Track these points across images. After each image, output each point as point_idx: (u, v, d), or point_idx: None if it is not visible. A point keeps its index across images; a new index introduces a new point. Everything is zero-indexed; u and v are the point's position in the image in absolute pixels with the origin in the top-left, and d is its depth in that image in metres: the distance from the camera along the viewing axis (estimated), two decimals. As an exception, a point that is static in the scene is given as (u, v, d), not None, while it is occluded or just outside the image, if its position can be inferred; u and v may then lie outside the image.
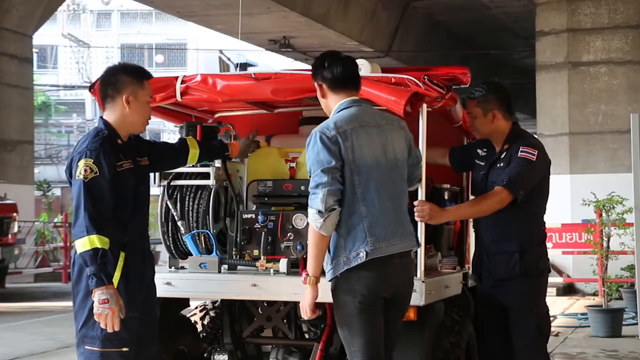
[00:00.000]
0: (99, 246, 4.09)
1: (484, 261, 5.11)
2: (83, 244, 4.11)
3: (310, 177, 4.10)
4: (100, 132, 4.31)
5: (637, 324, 9.69)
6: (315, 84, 4.32)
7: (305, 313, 4.14)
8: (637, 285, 9.44)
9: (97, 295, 4.09)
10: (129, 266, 4.27)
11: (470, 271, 5.47)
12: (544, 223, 5.18)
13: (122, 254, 4.25)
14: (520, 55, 24.29)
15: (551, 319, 5.49)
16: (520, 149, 4.91)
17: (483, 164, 5.11)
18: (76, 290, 4.29)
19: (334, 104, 4.26)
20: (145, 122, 4.43)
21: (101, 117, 4.42)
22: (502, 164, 4.97)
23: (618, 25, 14.68)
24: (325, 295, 4.62)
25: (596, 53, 14.69)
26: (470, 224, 5.89)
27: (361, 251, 4.05)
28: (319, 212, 3.98)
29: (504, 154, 4.99)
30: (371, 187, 4.11)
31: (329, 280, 4.14)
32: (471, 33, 23.57)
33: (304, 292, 4.13)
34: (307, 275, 4.09)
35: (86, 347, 4.25)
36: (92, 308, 4.17)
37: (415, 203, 4.58)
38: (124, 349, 4.24)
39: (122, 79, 4.36)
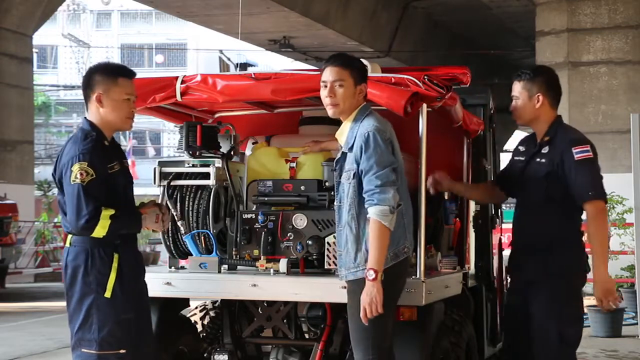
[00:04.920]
0: (110, 215, 4.16)
1: (514, 260, 4.91)
2: (99, 230, 4.16)
3: (365, 175, 4.13)
4: (89, 135, 4.29)
5: (637, 324, 9.70)
6: (362, 83, 4.32)
7: (377, 310, 4.04)
8: (637, 285, 9.45)
9: (147, 222, 4.40)
10: (124, 268, 4.27)
11: (469, 271, 5.47)
12: (581, 222, 4.84)
13: (116, 256, 4.26)
14: (520, 55, 24.28)
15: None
16: (574, 151, 4.65)
17: (523, 158, 4.88)
18: (70, 293, 4.28)
19: (356, 108, 4.31)
20: (124, 120, 4.38)
21: (85, 118, 4.39)
22: (543, 160, 4.73)
23: (618, 25, 14.67)
24: (326, 295, 4.63)
25: (596, 53, 14.68)
26: (470, 224, 5.89)
27: (405, 247, 4.24)
28: (392, 208, 4.07)
29: (545, 148, 4.76)
30: (404, 187, 4.31)
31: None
32: (471, 33, 23.58)
33: (370, 290, 4.04)
34: (376, 271, 4.05)
35: (83, 350, 4.25)
36: (87, 310, 4.20)
37: None
38: (121, 351, 4.24)
39: (94, 78, 4.36)
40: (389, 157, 4.16)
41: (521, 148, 4.95)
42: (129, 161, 4.76)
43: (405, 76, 4.65)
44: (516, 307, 4.83)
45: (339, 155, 4.35)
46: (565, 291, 4.72)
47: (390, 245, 4.16)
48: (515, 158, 4.95)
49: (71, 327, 4.29)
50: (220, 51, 30.99)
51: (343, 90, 4.27)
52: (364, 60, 4.55)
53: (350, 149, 4.23)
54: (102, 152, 4.27)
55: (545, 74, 4.89)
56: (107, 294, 4.20)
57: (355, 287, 4.18)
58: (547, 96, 4.83)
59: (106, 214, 4.16)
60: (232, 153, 5.25)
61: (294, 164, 5.25)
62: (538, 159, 4.77)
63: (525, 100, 4.83)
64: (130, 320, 4.25)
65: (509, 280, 5.23)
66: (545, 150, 4.77)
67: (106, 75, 4.35)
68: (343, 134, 4.33)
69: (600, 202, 4.64)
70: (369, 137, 4.15)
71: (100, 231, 4.16)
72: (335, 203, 4.36)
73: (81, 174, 4.15)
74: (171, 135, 36.01)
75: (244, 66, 27.03)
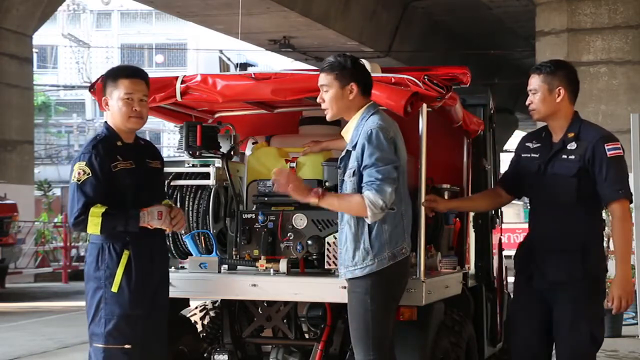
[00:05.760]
0: (101, 212, 4.19)
1: (537, 261, 4.60)
2: (92, 227, 4.21)
3: (366, 169, 4.13)
4: (98, 136, 4.42)
5: (637, 324, 9.69)
6: (350, 83, 4.27)
7: (291, 190, 4.26)
8: (637, 285, 9.44)
9: (147, 220, 4.29)
10: (134, 264, 4.31)
11: (469, 271, 5.46)
12: (604, 220, 4.71)
13: (126, 252, 4.31)
14: (520, 55, 24.32)
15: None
16: (607, 148, 4.51)
17: (537, 155, 4.64)
18: (87, 288, 4.39)
19: (357, 106, 4.31)
20: (125, 119, 4.39)
21: (105, 121, 4.51)
22: (572, 157, 4.51)
23: (618, 25, 14.66)
24: (326, 295, 4.63)
25: (596, 53, 14.67)
26: (471, 224, 5.89)
27: (403, 247, 4.21)
28: (384, 205, 4.08)
29: (572, 144, 4.55)
30: (405, 188, 4.30)
31: (368, 274, 4.13)
32: (471, 33, 23.60)
33: (302, 188, 4.28)
34: (323, 195, 4.23)
35: (94, 344, 4.33)
36: (97, 304, 4.29)
37: None
38: (127, 346, 4.29)
39: (104, 84, 4.47)
40: (391, 155, 4.16)
41: (531, 145, 4.71)
42: None
43: (405, 76, 4.65)
44: (533, 308, 4.62)
45: (343, 153, 4.35)
46: (596, 292, 4.56)
47: (387, 245, 4.16)
48: (525, 155, 4.71)
49: (87, 322, 4.38)
50: (220, 51, 31.03)
51: (329, 94, 4.31)
52: (362, 60, 4.54)
53: (354, 147, 4.23)
54: (106, 151, 4.33)
55: (566, 68, 4.70)
56: (114, 289, 4.27)
57: (354, 285, 4.19)
58: (568, 90, 4.60)
59: (96, 211, 4.20)
60: (232, 153, 5.25)
61: (294, 164, 5.25)
62: (564, 156, 4.55)
63: (545, 94, 4.60)
64: (138, 317, 4.29)
65: (510, 280, 5.15)
66: (571, 146, 4.55)
67: (109, 80, 4.45)
68: (349, 132, 4.34)
69: (627, 202, 4.52)
70: (371, 135, 4.16)
71: (93, 228, 4.22)
72: (337, 201, 4.36)
73: (79, 173, 4.26)
74: (171, 135, 36.01)
75: (244, 66, 27.05)
